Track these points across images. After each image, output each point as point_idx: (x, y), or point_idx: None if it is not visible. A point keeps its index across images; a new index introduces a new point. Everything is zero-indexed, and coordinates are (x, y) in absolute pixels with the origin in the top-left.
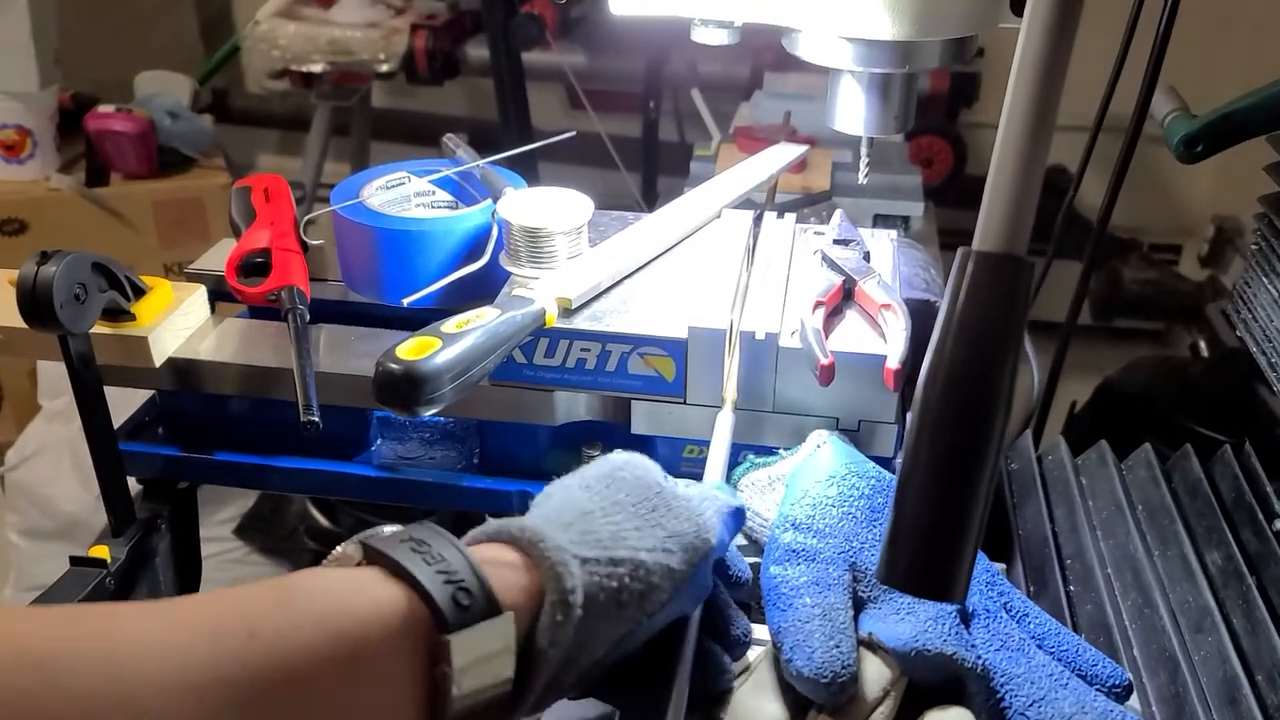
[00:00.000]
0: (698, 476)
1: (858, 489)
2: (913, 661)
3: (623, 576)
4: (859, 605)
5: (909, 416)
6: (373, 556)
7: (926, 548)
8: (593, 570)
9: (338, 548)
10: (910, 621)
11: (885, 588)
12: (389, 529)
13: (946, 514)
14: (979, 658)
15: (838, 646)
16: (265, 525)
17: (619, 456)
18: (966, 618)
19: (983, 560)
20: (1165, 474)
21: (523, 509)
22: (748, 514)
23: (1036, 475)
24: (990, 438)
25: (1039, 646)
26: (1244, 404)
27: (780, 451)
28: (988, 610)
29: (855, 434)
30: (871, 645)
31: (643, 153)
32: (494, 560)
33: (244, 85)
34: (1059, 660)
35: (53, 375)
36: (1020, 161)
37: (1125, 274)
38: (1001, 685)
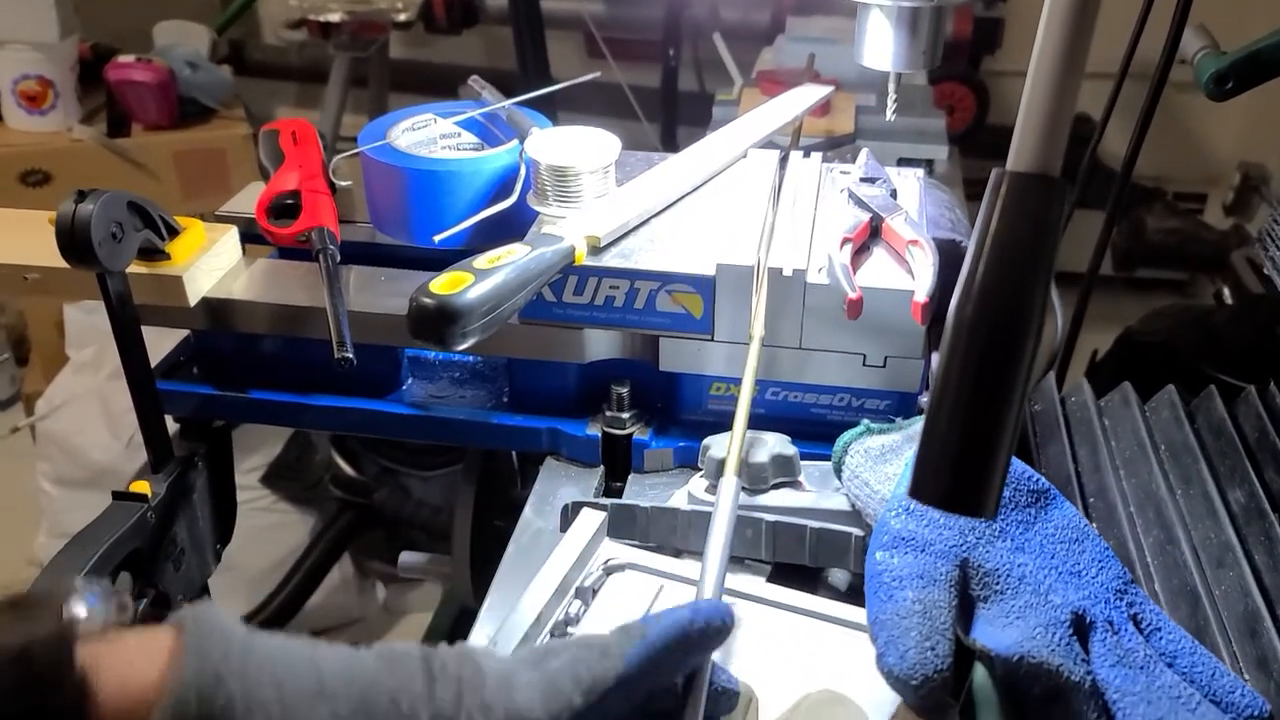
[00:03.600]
0: (725, 413)
1: None
2: (1014, 668)
3: None
4: (969, 605)
5: (944, 331)
6: None
7: (958, 465)
8: None
9: None
10: (1019, 627)
11: (998, 588)
12: None
13: (979, 431)
14: (1088, 672)
15: (933, 648)
16: (291, 474)
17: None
18: (1085, 628)
19: (1115, 567)
20: (1189, 415)
21: (552, 446)
22: (857, 483)
23: (1060, 416)
24: (1022, 356)
25: (1168, 665)
26: (1268, 351)
27: (898, 421)
28: (1111, 622)
29: (882, 369)
30: (974, 649)
31: (662, 102)
32: None
33: (260, 37)
34: (1191, 682)
35: (80, 326)
36: (1056, 80)
37: (1149, 223)
38: (1114, 702)
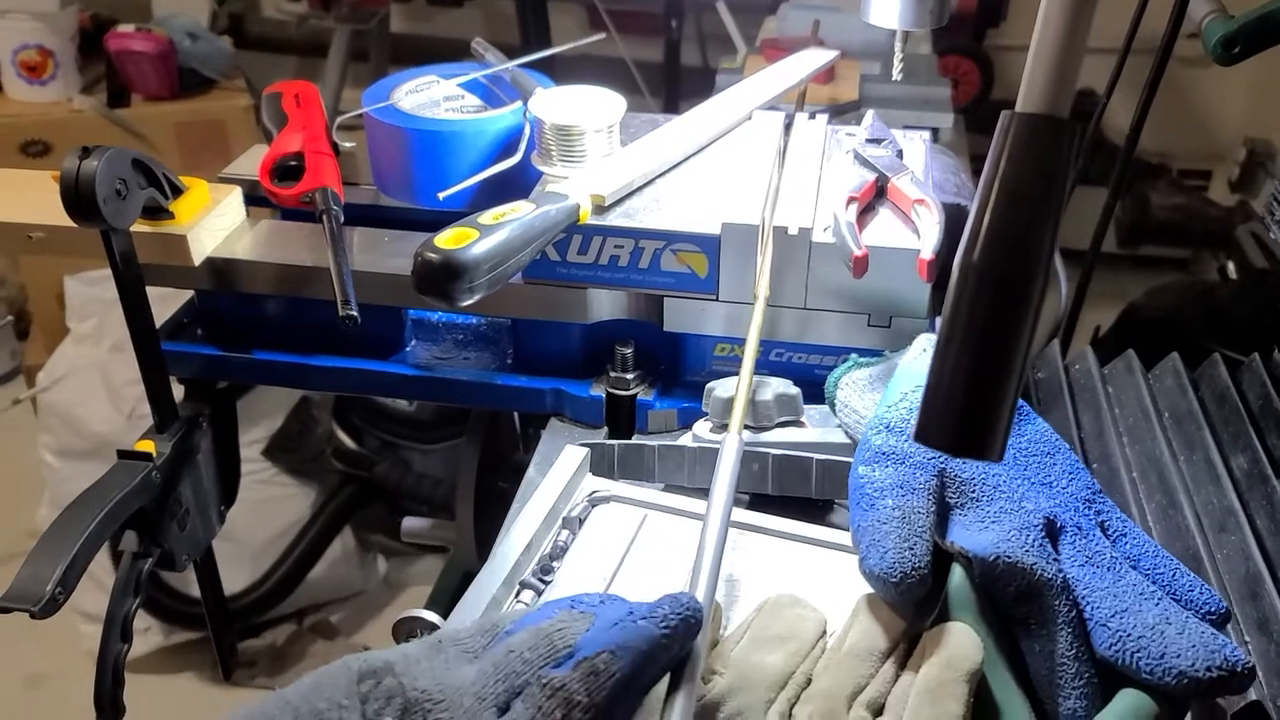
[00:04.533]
0: (729, 374)
1: None
2: (991, 568)
3: None
4: (946, 513)
5: (951, 275)
6: None
7: (965, 407)
8: None
9: None
10: (994, 530)
11: (974, 496)
12: None
13: (985, 374)
14: (1059, 571)
15: (911, 549)
16: (293, 446)
17: None
18: (1055, 532)
19: (1085, 478)
20: (1193, 383)
21: (556, 407)
22: (848, 411)
23: (1064, 383)
24: (1029, 300)
25: (1133, 567)
26: (1272, 326)
27: (886, 353)
28: (1079, 527)
29: (887, 330)
30: (953, 552)
31: (664, 75)
32: None
33: (260, 10)
34: (1153, 581)
35: (81, 298)
36: (1065, 21)
37: (1153, 199)
38: (1084, 597)
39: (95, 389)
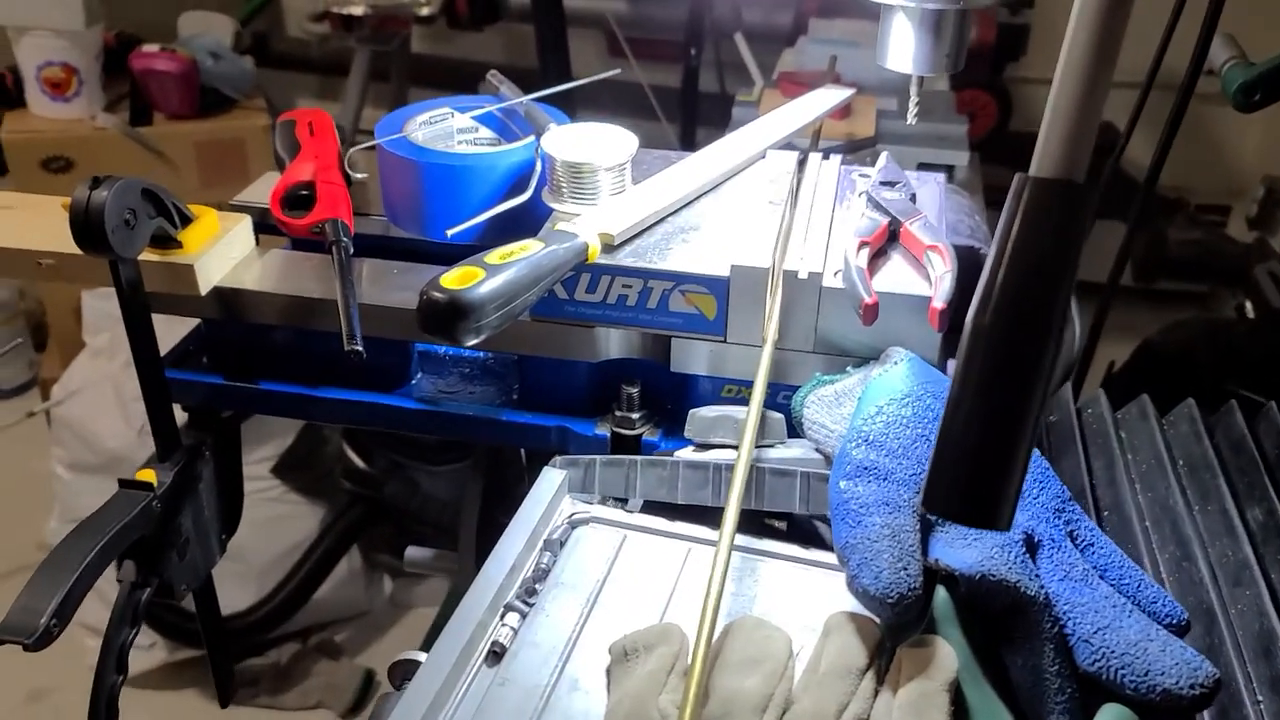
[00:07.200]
0: None
1: (933, 410)
2: (976, 586)
3: None
4: (926, 528)
5: (962, 338)
6: None
7: (973, 475)
8: None
9: None
10: (977, 547)
11: None
12: None
13: (994, 442)
14: (1041, 587)
15: (905, 569)
16: (302, 465)
17: None
18: (1033, 546)
19: (1055, 486)
20: (1208, 429)
21: (561, 445)
22: (817, 428)
23: (1076, 428)
24: (1041, 366)
25: (1101, 577)
26: None
27: (848, 368)
28: (1053, 540)
29: None
30: (937, 569)
31: (682, 102)
32: None
33: (284, 29)
34: (1119, 592)
35: (98, 313)
36: (1082, 84)
37: (1170, 234)
38: (1065, 613)
39: (108, 404)
